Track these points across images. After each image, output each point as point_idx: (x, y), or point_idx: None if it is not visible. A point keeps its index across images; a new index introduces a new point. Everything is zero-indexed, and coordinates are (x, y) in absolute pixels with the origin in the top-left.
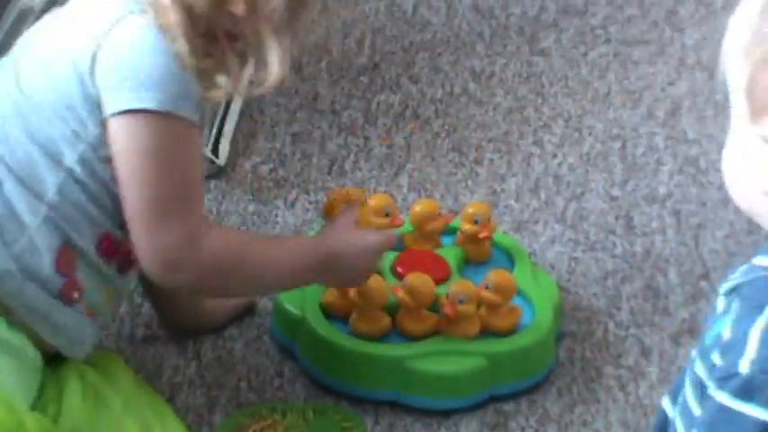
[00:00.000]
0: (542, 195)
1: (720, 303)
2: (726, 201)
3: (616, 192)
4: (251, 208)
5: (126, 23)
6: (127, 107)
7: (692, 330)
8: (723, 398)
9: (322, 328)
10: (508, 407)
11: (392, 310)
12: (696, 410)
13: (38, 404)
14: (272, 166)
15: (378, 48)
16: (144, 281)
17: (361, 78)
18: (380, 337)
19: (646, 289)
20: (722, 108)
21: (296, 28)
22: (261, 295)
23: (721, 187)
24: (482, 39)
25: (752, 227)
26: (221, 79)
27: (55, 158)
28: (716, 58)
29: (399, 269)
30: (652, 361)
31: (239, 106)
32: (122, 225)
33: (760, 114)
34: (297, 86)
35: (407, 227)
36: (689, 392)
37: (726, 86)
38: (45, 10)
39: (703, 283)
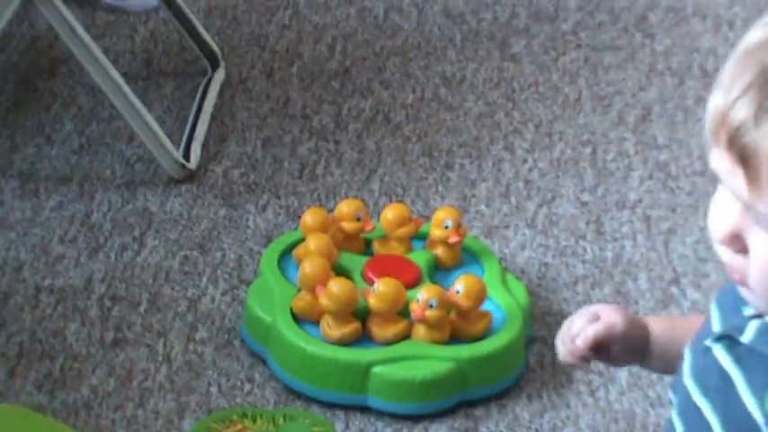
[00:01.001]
0: (513, 200)
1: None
2: (695, 206)
3: (586, 197)
4: (222, 212)
5: None
6: None
7: None
8: None
9: (292, 333)
10: (478, 412)
11: (362, 314)
12: None
13: None
14: (243, 170)
15: (349, 53)
16: None
17: (333, 83)
18: (351, 342)
19: (616, 294)
20: (692, 113)
21: None
22: None
23: (691, 193)
24: (453, 44)
25: None
26: None
27: None
28: (686, 64)
29: (370, 274)
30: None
31: (211, 110)
32: None
33: None
34: (268, 91)
35: (378, 231)
36: None
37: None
38: None
39: (673, 289)
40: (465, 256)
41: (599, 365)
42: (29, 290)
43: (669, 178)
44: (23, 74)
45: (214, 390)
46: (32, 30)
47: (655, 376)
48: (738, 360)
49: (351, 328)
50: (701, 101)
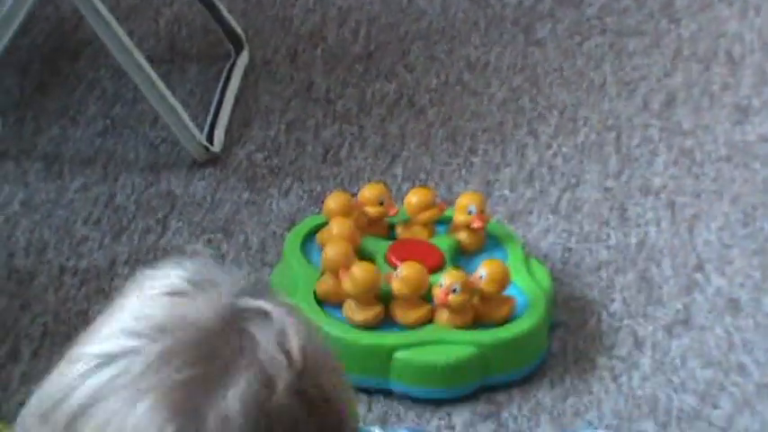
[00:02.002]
0: (537, 186)
1: None
2: (720, 192)
3: (610, 183)
4: (245, 196)
5: None
6: None
7: (685, 322)
8: None
9: (315, 316)
10: (501, 397)
11: (385, 298)
12: None
13: None
14: (266, 153)
15: (373, 36)
16: None
17: (357, 67)
18: (373, 326)
19: (639, 280)
20: (717, 99)
21: None
22: None
23: (716, 179)
24: (477, 28)
25: (747, 219)
26: None
27: None
28: (712, 50)
29: (393, 258)
30: (645, 352)
31: (234, 94)
32: None
33: None
34: (292, 75)
35: (401, 216)
36: None
37: (720, 77)
38: None
39: (697, 275)
40: (488, 241)
41: (621, 350)
42: (53, 271)
43: (694, 164)
44: (48, 56)
45: None
46: (57, 12)
47: (678, 361)
48: None
49: (374, 311)
50: (726, 87)
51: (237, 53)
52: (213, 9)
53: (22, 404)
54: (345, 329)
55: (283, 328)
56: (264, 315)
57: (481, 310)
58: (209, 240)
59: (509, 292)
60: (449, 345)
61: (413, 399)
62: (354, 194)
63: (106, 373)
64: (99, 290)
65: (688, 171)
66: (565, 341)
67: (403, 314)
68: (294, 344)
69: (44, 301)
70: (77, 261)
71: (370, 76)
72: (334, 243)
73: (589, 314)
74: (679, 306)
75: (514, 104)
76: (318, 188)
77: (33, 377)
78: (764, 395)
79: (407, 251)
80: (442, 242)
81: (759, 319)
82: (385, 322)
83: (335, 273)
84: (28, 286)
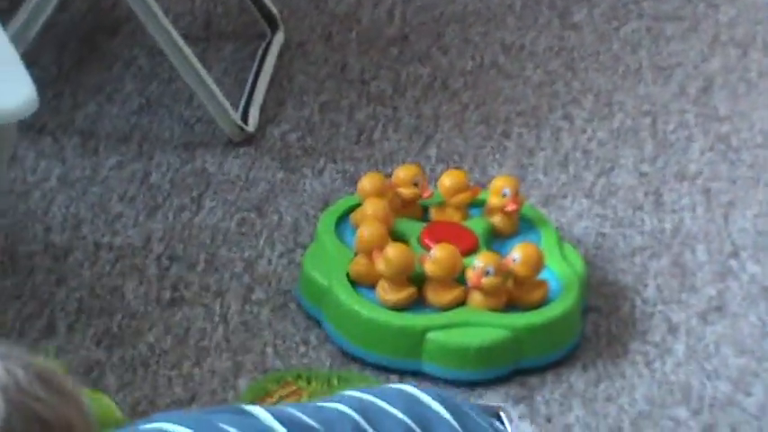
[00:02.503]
0: (571, 170)
1: None
2: (756, 179)
3: (646, 168)
4: (279, 175)
5: None
6: None
7: (719, 309)
8: None
9: (348, 296)
10: (533, 380)
11: (419, 280)
12: None
13: None
14: (300, 134)
15: (408, 19)
16: None
17: (391, 49)
18: (406, 308)
19: (673, 266)
20: (755, 86)
21: None
22: None
23: (752, 165)
24: (513, 11)
25: None
26: None
27: None
28: (750, 35)
29: (427, 240)
30: (679, 338)
31: (269, 74)
32: None
33: None
34: (326, 55)
35: (435, 198)
36: None
37: (758, 64)
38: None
39: (732, 261)
40: (522, 225)
41: (655, 336)
42: (88, 247)
43: (730, 150)
44: (86, 33)
45: (270, 351)
46: None
47: (712, 348)
48: None
49: (407, 293)
50: (763, 73)
51: (273, 33)
52: None
53: None
54: (378, 310)
55: None
56: None
57: (514, 293)
58: (243, 219)
59: (542, 276)
60: (482, 327)
61: (445, 381)
62: (389, 175)
63: None
64: (133, 266)
65: (724, 157)
66: (598, 326)
67: (436, 296)
68: None
69: (79, 276)
70: (112, 237)
71: (405, 58)
72: (368, 224)
73: (622, 300)
74: (713, 293)
75: (549, 88)
76: (352, 169)
77: (69, 351)
78: None
79: (441, 233)
80: (476, 225)
81: None
82: (417, 304)
83: (369, 254)
84: (63, 262)
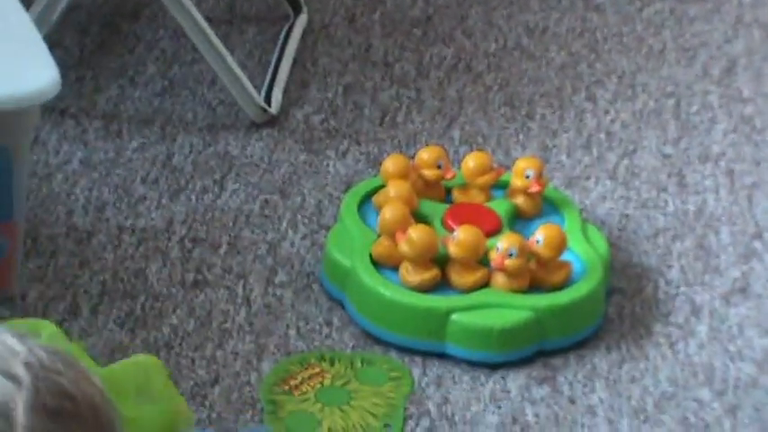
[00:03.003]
0: (594, 151)
1: None
2: None
3: (669, 149)
4: (302, 157)
5: None
6: None
7: (743, 290)
8: None
9: (371, 278)
10: (556, 361)
11: (442, 261)
12: None
13: None
14: (323, 116)
15: (432, 0)
16: None
17: (415, 31)
18: (430, 289)
19: (697, 248)
20: None
21: None
22: None
23: None
24: None
25: None
26: None
27: None
28: None
29: (450, 221)
30: (702, 320)
31: (292, 56)
32: None
33: None
34: (350, 37)
35: (459, 179)
36: None
37: None
38: None
39: (756, 243)
40: (545, 207)
41: (678, 317)
42: (111, 229)
43: (754, 132)
44: (108, 16)
45: (293, 333)
46: None
47: (735, 330)
48: None
49: (430, 274)
50: None
51: (296, 15)
52: None
53: None
54: (401, 292)
55: (1, 353)
56: None
57: (538, 274)
58: (266, 201)
59: (566, 257)
60: (505, 309)
61: (468, 362)
62: (412, 157)
63: None
64: (156, 249)
65: (747, 139)
66: (621, 307)
67: (459, 277)
68: (16, 363)
69: (102, 259)
70: (135, 220)
71: (429, 40)
72: (391, 205)
73: (646, 281)
74: (737, 274)
75: (573, 70)
76: (375, 151)
77: (92, 333)
78: None
79: (464, 215)
80: (500, 206)
81: None
82: (441, 286)
83: (392, 235)
84: (86, 244)
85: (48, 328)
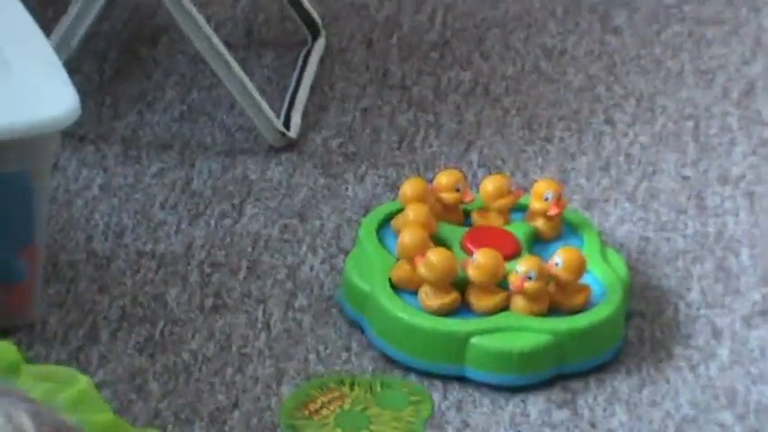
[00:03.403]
0: (613, 174)
1: None
2: None
3: (688, 172)
4: (321, 181)
5: None
6: None
7: (764, 312)
8: None
9: (391, 302)
10: (576, 385)
11: (461, 285)
12: None
13: None
14: (342, 140)
15: (449, 24)
16: None
17: (432, 54)
18: (449, 313)
19: (717, 270)
20: None
21: None
22: None
23: None
24: (554, 16)
25: None
26: None
27: None
28: None
29: (469, 245)
30: (723, 342)
31: (311, 80)
32: None
33: None
34: (367, 61)
35: (477, 203)
36: None
37: None
38: None
39: None
40: (564, 229)
41: (698, 340)
42: (130, 255)
43: None
44: (127, 42)
45: (312, 357)
46: None
47: (757, 353)
48: None
49: (449, 298)
50: None
51: (314, 39)
52: None
53: (99, 385)
54: (420, 316)
55: None
56: None
57: (557, 297)
58: (285, 225)
59: (585, 280)
60: (524, 332)
61: (488, 386)
62: (430, 181)
63: None
64: (175, 274)
65: (767, 160)
66: (641, 330)
67: (478, 301)
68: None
69: (122, 284)
70: (154, 245)
71: (446, 63)
72: (410, 229)
73: (666, 304)
74: (757, 297)
75: (591, 92)
76: (394, 175)
77: (111, 359)
78: None
79: (483, 238)
80: (518, 229)
81: None
82: (460, 309)
83: (411, 259)
84: (106, 269)
85: (79, 384)
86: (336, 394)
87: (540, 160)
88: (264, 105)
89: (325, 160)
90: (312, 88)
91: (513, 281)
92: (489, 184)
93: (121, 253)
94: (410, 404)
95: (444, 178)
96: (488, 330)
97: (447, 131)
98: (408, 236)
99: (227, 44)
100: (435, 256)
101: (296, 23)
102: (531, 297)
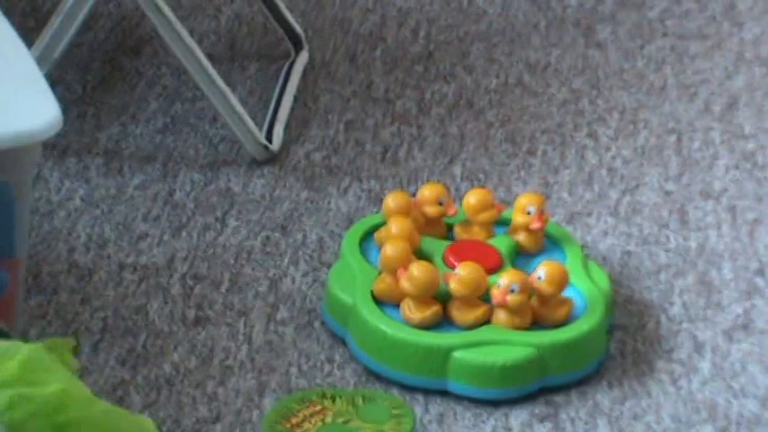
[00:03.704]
0: (596, 188)
1: None
2: None
3: (670, 186)
4: (304, 194)
5: None
6: None
7: (746, 326)
8: None
9: (373, 315)
10: (558, 398)
11: (443, 298)
12: None
13: None
14: (325, 153)
15: (433, 37)
16: None
17: (416, 68)
18: (431, 326)
19: (699, 284)
20: None
21: None
22: None
23: None
24: (538, 30)
25: None
26: None
27: None
28: None
29: (451, 258)
30: (705, 356)
31: (293, 93)
32: None
33: None
34: (351, 75)
35: (460, 216)
36: None
37: None
38: None
39: (758, 279)
40: (547, 243)
41: (681, 354)
42: (112, 267)
43: (756, 168)
44: (109, 53)
45: (294, 370)
46: (119, 9)
47: (738, 366)
48: None
49: (431, 311)
50: None
51: (297, 52)
52: (273, 8)
53: None
54: (403, 329)
55: None
56: None
57: (539, 311)
58: (267, 238)
59: (567, 293)
60: (506, 345)
61: (470, 399)
62: (413, 194)
63: None
64: (157, 286)
65: (749, 175)
66: (623, 344)
67: (460, 314)
68: None
69: (104, 296)
70: (137, 257)
71: (430, 76)
72: (392, 242)
73: (648, 317)
74: (739, 311)
75: (574, 106)
76: (377, 188)
77: (93, 370)
78: None
79: (466, 252)
80: (501, 243)
81: None
82: (442, 322)
83: (393, 272)
84: (88, 281)
85: (19, 354)
86: (318, 408)
87: (522, 174)
88: (247, 118)
89: (307, 173)
90: (295, 101)
91: (496, 294)
92: (472, 198)
93: (103, 265)
94: (392, 417)
95: (427, 192)
96: (470, 344)
97: (430, 145)
98: (391, 249)
99: (210, 56)
100: (418, 269)
101: (279, 36)
102: (514, 310)
